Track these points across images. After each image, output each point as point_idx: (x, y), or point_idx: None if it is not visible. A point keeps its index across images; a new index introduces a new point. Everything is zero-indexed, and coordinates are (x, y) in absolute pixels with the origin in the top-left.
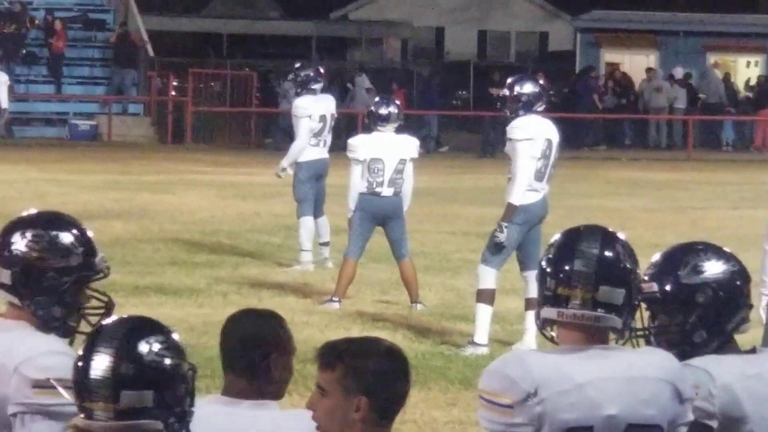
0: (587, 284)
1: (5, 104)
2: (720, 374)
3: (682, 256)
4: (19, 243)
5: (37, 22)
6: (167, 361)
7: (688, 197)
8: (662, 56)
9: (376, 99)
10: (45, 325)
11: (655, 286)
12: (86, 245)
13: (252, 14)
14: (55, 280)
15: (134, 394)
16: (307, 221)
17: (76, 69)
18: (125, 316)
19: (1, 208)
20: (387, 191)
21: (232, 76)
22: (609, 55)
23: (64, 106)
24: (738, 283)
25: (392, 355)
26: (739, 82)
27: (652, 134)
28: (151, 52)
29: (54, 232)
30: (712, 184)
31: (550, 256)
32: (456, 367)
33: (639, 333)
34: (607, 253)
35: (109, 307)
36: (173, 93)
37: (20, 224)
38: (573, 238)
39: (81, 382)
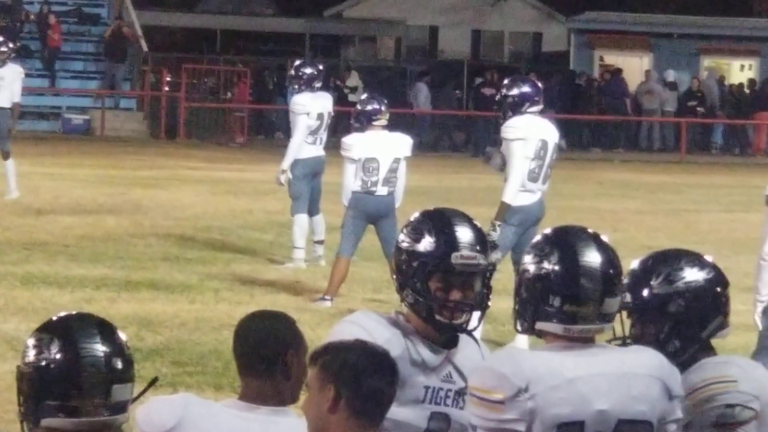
0: (595, 300)
1: (17, 98)
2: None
3: (656, 266)
4: (401, 230)
5: (32, 17)
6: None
7: (680, 200)
8: (656, 58)
9: (362, 97)
10: (416, 312)
11: (628, 296)
12: (445, 237)
13: (246, 11)
14: (407, 263)
15: (123, 387)
16: (301, 219)
17: (70, 63)
18: (66, 313)
19: None
20: (381, 190)
21: (226, 72)
22: (603, 57)
23: (58, 100)
24: (712, 291)
25: (372, 352)
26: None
27: (643, 136)
28: (144, 47)
29: (423, 219)
30: (704, 186)
31: (550, 270)
32: None
33: (617, 342)
34: (609, 266)
35: (467, 308)
36: (166, 88)
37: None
38: (571, 249)
39: (68, 380)
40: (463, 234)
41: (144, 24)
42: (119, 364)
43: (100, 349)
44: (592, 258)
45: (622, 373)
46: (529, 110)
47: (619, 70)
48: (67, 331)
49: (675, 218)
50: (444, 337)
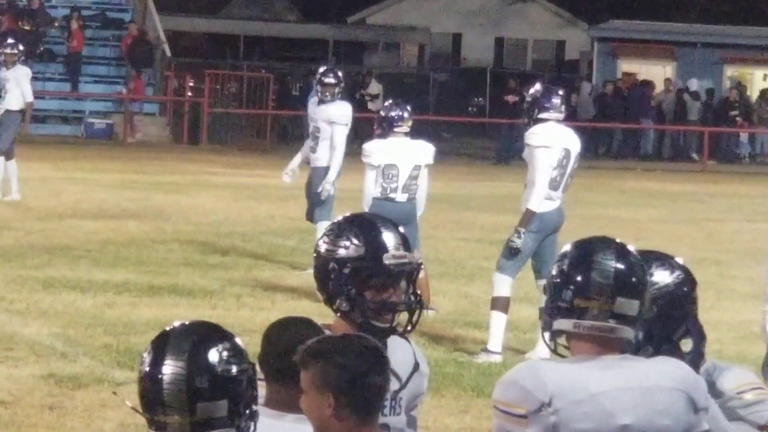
0: (605, 296)
1: (29, 97)
2: None
3: None
4: (318, 244)
5: (57, 24)
6: (236, 369)
7: (702, 209)
8: (679, 67)
9: (386, 104)
10: (349, 322)
11: None
12: (373, 241)
13: (269, 16)
14: (336, 271)
15: (209, 405)
16: (325, 225)
17: (93, 67)
18: (188, 322)
19: (16, 205)
20: (401, 197)
21: (249, 78)
22: (626, 65)
23: (80, 104)
24: (683, 293)
25: (364, 351)
26: (756, 95)
27: (667, 146)
28: (168, 52)
29: (344, 227)
30: (727, 196)
31: (564, 267)
32: (469, 375)
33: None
34: (623, 265)
35: (406, 308)
36: (189, 94)
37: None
38: (587, 249)
39: (153, 396)
40: (389, 235)
41: (167, 29)
42: (203, 383)
43: (181, 366)
44: (607, 256)
45: (648, 387)
46: (551, 118)
47: (646, 82)
48: (158, 344)
49: (697, 227)
50: None
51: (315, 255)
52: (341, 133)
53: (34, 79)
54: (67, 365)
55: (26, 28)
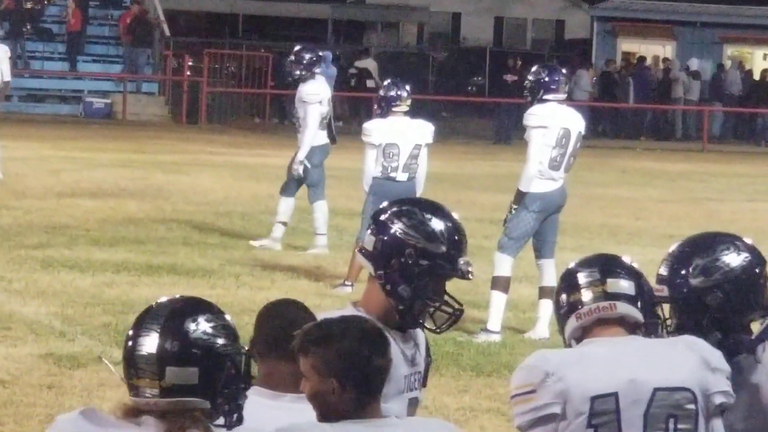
0: (595, 280)
1: (7, 77)
2: None
3: (691, 256)
4: (392, 216)
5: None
6: (213, 340)
7: (702, 189)
8: (679, 47)
9: (385, 83)
10: (396, 304)
11: (665, 290)
12: (454, 241)
13: None
14: (413, 258)
15: (179, 370)
16: (323, 205)
17: (92, 47)
18: (177, 295)
19: (14, 184)
20: (401, 176)
21: (248, 58)
22: (626, 45)
23: (79, 83)
24: (752, 277)
25: (363, 334)
26: (756, 75)
27: (670, 125)
28: (167, 32)
29: (428, 215)
30: (727, 176)
31: (559, 281)
32: (468, 354)
33: (661, 326)
34: (607, 258)
35: (456, 314)
36: (188, 73)
37: (400, 202)
38: (576, 261)
39: (129, 360)
40: (464, 237)
41: (166, 8)
42: (173, 347)
43: (155, 329)
44: (590, 257)
45: (658, 350)
46: (553, 98)
47: (642, 58)
48: (142, 313)
49: (697, 207)
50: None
51: (387, 231)
52: (311, 112)
53: (32, 57)
54: (65, 344)
55: (27, 6)
